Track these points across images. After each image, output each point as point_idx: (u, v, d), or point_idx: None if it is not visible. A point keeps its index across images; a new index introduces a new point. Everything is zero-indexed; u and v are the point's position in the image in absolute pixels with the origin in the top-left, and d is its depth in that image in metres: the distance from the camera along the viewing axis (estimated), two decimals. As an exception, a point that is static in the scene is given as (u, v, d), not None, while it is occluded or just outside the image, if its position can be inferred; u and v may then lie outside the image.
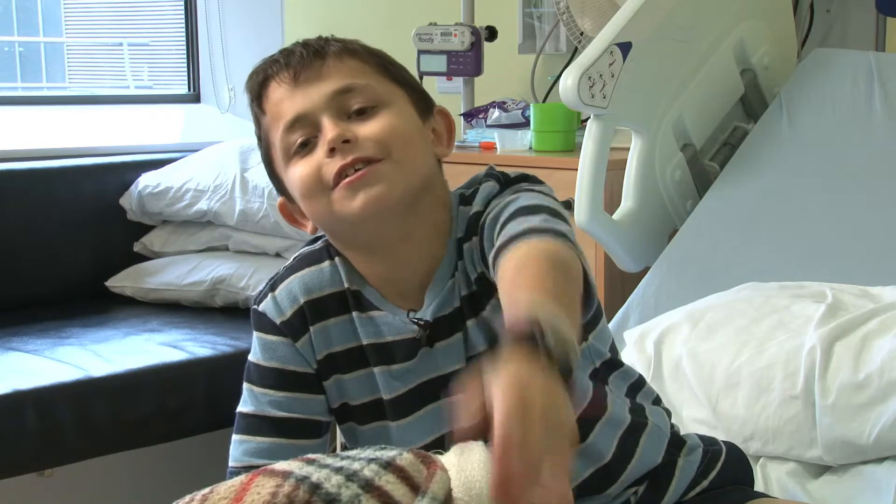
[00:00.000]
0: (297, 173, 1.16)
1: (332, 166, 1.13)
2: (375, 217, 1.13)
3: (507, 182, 1.20)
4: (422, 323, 1.19)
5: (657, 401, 1.32)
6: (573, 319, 0.91)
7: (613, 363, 1.28)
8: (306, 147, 1.16)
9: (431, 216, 1.18)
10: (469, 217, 1.18)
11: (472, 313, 1.18)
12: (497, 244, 1.08)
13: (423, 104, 1.22)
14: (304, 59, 1.17)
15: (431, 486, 0.91)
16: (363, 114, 1.16)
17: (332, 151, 1.13)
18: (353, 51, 1.19)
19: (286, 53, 1.19)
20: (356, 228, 1.16)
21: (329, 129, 1.13)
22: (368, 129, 1.14)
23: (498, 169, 1.23)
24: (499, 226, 1.11)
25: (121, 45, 4.36)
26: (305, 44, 1.19)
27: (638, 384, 1.30)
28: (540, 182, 1.20)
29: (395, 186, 1.13)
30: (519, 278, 0.96)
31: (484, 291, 1.17)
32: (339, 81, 1.16)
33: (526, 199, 1.13)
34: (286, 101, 1.17)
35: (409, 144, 1.16)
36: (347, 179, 1.12)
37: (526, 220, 1.08)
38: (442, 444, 1.15)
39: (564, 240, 1.05)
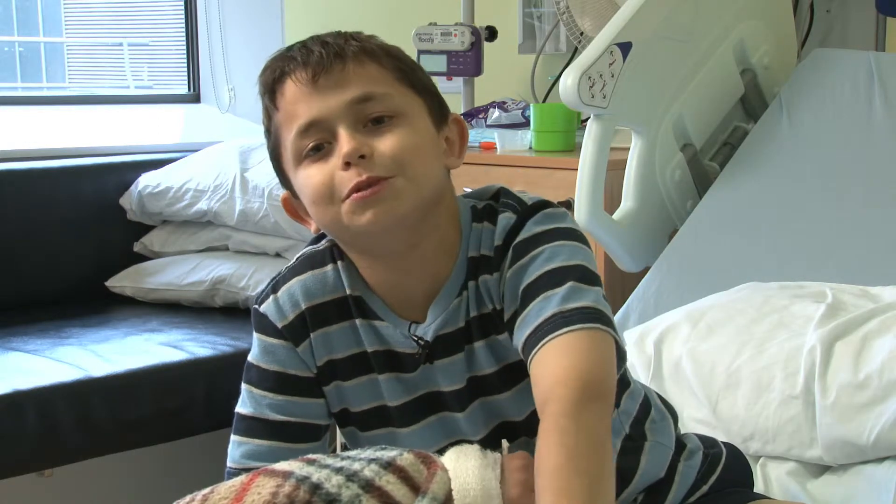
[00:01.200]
0: (309, 180, 1.13)
1: (347, 180, 1.11)
2: (384, 231, 1.12)
3: (524, 212, 1.17)
4: (422, 342, 1.18)
5: (663, 416, 1.30)
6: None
7: (639, 417, 1.27)
8: (319, 151, 1.13)
9: (439, 228, 1.17)
10: (492, 246, 1.17)
11: (481, 336, 1.18)
12: (526, 330, 1.09)
13: (440, 112, 1.20)
14: (324, 59, 1.13)
15: (432, 487, 0.91)
16: (380, 122, 1.13)
17: (346, 165, 1.11)
18: (373, 53, 1.16)
19: (304, 51, 1.14)
20: (363, 239, 1.15)
21: (345, 143, 1.11)
22: (385, 145, 1.11)
23: (513, 193, 1.21)
24: (523, 286, 1.12)
25: (121, 45, 4.36)
26: (325, 42, 1.15)
27: (645, 411, 1.29)
28: (560, 214, 1.18)
29: (405, 202, 1.11)
30: (547, 479, 0.99)
31: (501, 322, 1.16)
32: (358, 89, 1.13)
33: (551, 254, 1.12)
34: (302, 103, 1.13)
35: (423, 160, 1.14)
36: (359, 194, 1.10)
37: (551, 295, 1.09)
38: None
39: (590, 331, 1.06)
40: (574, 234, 1.16)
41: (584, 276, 1.11)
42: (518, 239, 1.15)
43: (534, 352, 1.07)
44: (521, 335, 1.10)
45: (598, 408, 1.03)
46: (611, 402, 1.05)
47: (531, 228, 1.15)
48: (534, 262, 1.12)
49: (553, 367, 1.05)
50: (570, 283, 1.09)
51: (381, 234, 1.12)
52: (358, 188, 1.10)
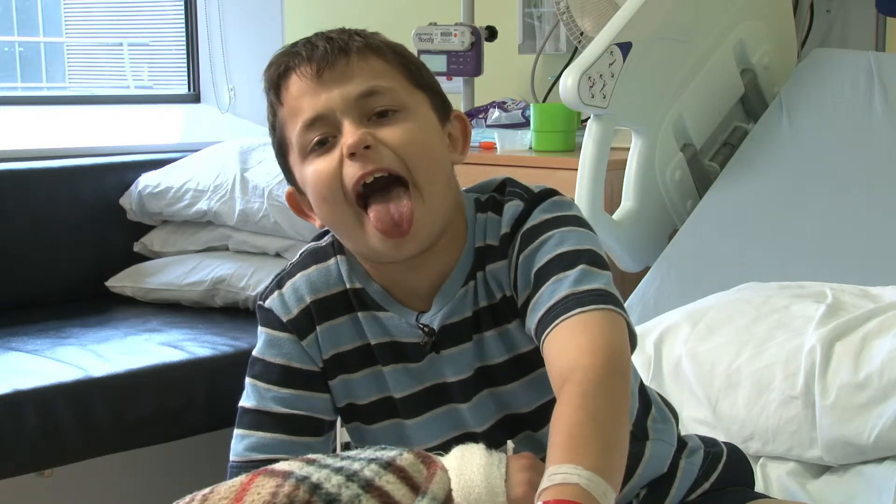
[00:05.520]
0: (315, 174, 1.14)
1: (352, 172, 1.12)
2: (405, 256, 1.15)
3: (531, 199, 1.18)
4: (427, 330, 1.18)
5: (665, 416, 1.30)
6: (614, 480, 0.93)
7: (640, 414, 1.26)
8: (324, 146, 1.14)
9: (449, 225, 1.18)
10: (498, 235, 1.17)
11: (491, 325, 1.18)
12: (539, 312, 1.09)
13: (443, 109, 1.20)
14: (328, 54, 1.14)
15: (431, 487, 0.91)
16: (384, 116, 1.14)
17: (352, 156, 1.11)
18: (378, 49, 1.17)
19: (309, 47, 1.15)
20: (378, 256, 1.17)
21: (350, 134, 1.11)
22: (389, 136, 1.12)
23: (520, 182, 1.22)
24: (535, 270, 1.12)
25: (121, 45, 4.36)
26: (329, 38, 1.16)
27: (646, 409, 1.28)
28: (568, 203, 1.19)
29: (425, 230, 1.13)
30: (563, 435, 0.96)
31: (510, 310, 1.17)
32: (363, 83, 1.13)
33: (561, 238, 1.13)
34: (307, 97, 1.14)
35: (429, 153, 1.14)
36: (383, 232, 1.12)
37: (563, 277, 1.09)
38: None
39: (605, 311, 1.06)
40: (582, 222, 1.17)
41: (595, 260, 1.12)
42: (526, 226, 1.15)
43: (547, 331, 1.07)
44: (533, 317, 1.10)
45: (620, 383, 1.02)
46: (629, 380, 1.05)
47: (539, 216, 1.16)
48: (544, 246, 1.13)
49: (575, 342, 1.04)
50: (581, 266, 1.10)
51: (401, 258, 1.15)
52: (362, 180, 1.11)
